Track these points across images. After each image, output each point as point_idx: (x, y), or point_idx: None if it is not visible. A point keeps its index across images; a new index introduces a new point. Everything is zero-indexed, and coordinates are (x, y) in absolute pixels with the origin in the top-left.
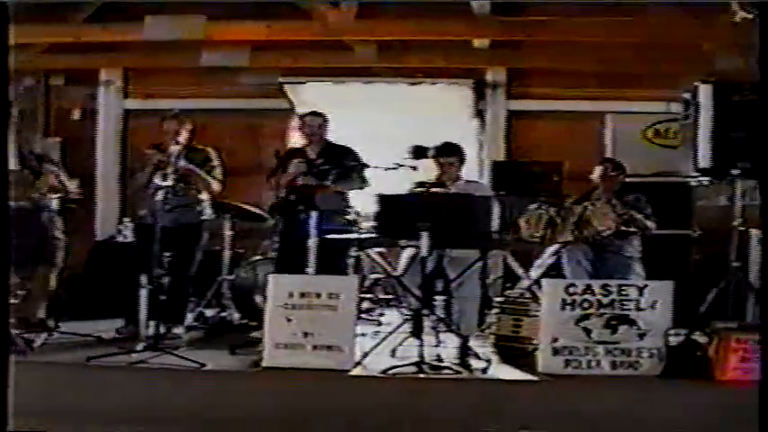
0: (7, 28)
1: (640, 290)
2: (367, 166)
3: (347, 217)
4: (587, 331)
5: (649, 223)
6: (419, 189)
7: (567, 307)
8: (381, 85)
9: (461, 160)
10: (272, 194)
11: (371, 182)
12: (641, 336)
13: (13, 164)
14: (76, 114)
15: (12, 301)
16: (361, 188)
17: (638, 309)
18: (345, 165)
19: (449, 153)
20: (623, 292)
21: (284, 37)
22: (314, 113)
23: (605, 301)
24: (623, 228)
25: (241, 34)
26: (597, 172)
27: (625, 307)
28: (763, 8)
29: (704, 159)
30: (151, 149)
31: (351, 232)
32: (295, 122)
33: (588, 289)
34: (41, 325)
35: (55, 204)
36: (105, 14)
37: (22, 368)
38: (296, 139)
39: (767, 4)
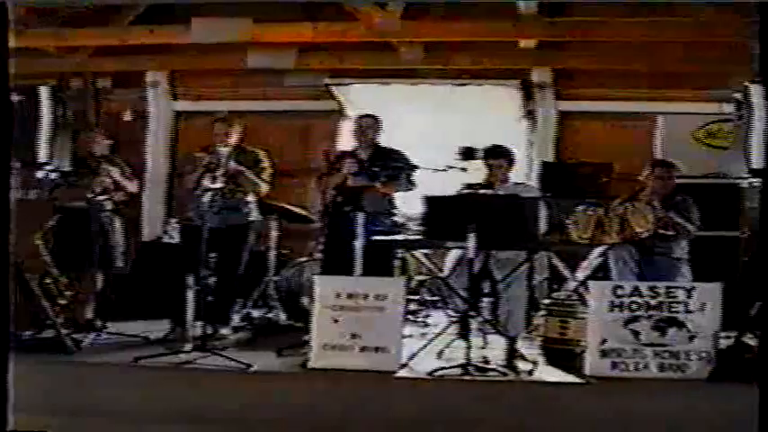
0: (7, 28)
1: (689, 292)
2: (416, 168)
3: (394, 218)
4: (635, 333)
5: (690, 226)
6: (467, 191)
7: (615, 309)
8: (427, 86)
9: (510, 162)
10: (321, 195)
11: (420, 183)
12: (690, 338)
13: (66, 165)
14: (127, 116)
15: (61, 301)
16: (408, 190)
17: (687, 311)
18: (395, 167)
19: (497, 155)
20: (672, 294)
21: (330, 38)
22: (368, 116)
23: (653, 303)
24: (661, 231)
25: (287, 36)
26: (647, 173)
27: (674, 309)
28: (763, 8)
29: (757, 160)
30: (201, 152)
31: (397, 234)
32: (348, 124)
33: (636, 291)
34: (89, 325)
35: (110, 205)
36: (151, 17)
37: (69, 368)
38: (348, 141)
39: (767, 4)
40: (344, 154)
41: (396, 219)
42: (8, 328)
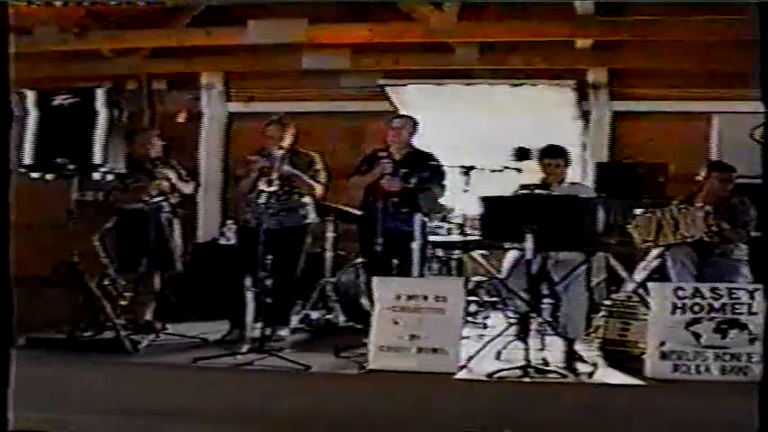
0: (7, 28)
1: (751, 293)
2: (472, 168)
3: (446, 219)
4: (696, 335)
5: (741, 233)
6: (523, 191)
7: (676, 310)
8: (482, 86)
9: (567, 162)
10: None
11: (475, 184)
12: (752, 340)
13: (121, 167)
14: (181, 118)
15: (120, 302)
16: (440, 196)
17: (750, 313)
18: (429, 170)
19: (554, 155)
20: (734, 296)
21: (385, 39)
22: (403, 116)
23: (716, 304)
24: (707, 239)
25: (342, 37)
26: (704, 175)
27: (736, 311)
28: (763, 8)
29: None
30: (255, 155)
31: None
32: (387, 124)
33: (698, 292)
34: (148, 326)
35: (167, 207)
36: (208, 19)
37: (128, 369)
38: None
39: (767, 4)
40: (377, 153)
41: (450, 220)
42: (10, 329)
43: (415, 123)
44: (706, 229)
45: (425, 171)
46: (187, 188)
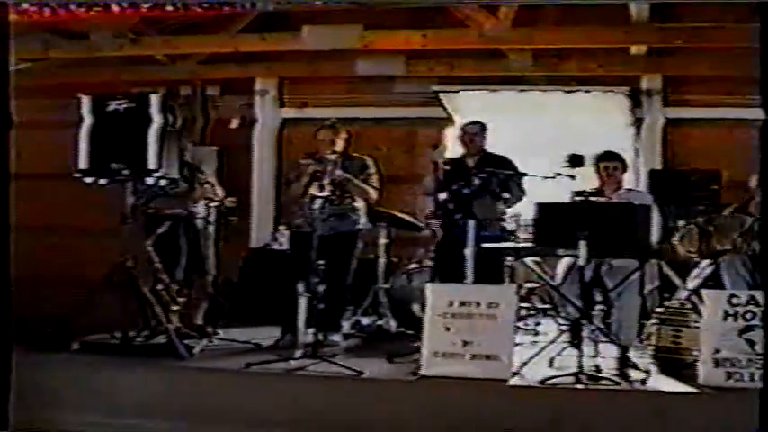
0: (8, 28)
1: None
2: (525, 175)
3: (504, 225)
4: (751, 343)
5: None
6: (579, 198)
7: (730, 318)
8: (536, 93)
9: (624, 167)
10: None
11: (529, 191)
12: None
13: (174, 173)
14: (234, 123)
15: (173, 307)
16: (519, 199)
17: None
18: (504, 174)
19: (611, 159)
20: None
21: (439, 45)
22: (474, 122)
23: None
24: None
25: (396, 43)
26: (754, 182)
27: None
28: (763, 8)
29: None
30: (306, 159)
31: (506, 240)
32: (454, 131)
33: (752, 300)
34: (200, 330)
35: (208, 213)
36: (263, 25)
37: (182, 373)
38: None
39: (767, 4)
40: (454, 161)
41: (506, 226)
42: (10, 330)
43: (484, 128)
44: (740, 239)
45: (500, 176)
46: (222, 194)
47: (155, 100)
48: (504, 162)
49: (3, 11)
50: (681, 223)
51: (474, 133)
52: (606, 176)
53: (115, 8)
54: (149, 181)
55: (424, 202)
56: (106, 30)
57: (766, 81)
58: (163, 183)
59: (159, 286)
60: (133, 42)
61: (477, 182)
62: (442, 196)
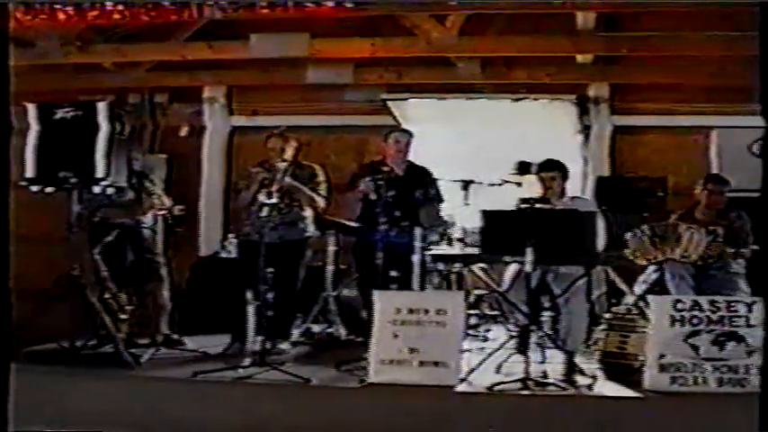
0: (8, 28)
1: (749, 306)
2: (471, 182)
3: (445, 233)
4: (695, 348)
5: (743, 251)
6: (524, 205)
7: (676, 323)
8: (484, 101)
9: (563, 176)
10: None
11: (476, 198)
12: (750, 353)
13: (122, 181)
14: (184, 131)
15: (121, 316)
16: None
17: (748, 325)
18: (426, 185)
19: (549, 168)
20: (732, 309)
21: (388, 54)
22: (403, 130)
23: (714, 317)
24: (700, 263)
25: (345, 51)
26: (700, 188)
27: (734, 323)
28: (763, 8)
29: None
30: (256, 167)
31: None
32: (388, 139)
33: (696, 305)
34: (167, 340)
35: (155, 221)
36: (211, 33)
37: (129, 382)
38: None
39: (767, 4)
40: (374, 166)
41: (449, 233)
42: (10, 332)
43: (411, 136)
44: (708, 252)
45: (427, 185)
46: (170, 203)
47: (102, 108)
48: (426, 172)
49: (3, 12)
50: (628, 235)
51: (403, 142)
52: (546, 185)
53: (61, 16)
54: (97, 189)
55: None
56: (53, 37)
57: (766, 87)
58: (110, 191)
59: (107, 295)
60: (80, 50)
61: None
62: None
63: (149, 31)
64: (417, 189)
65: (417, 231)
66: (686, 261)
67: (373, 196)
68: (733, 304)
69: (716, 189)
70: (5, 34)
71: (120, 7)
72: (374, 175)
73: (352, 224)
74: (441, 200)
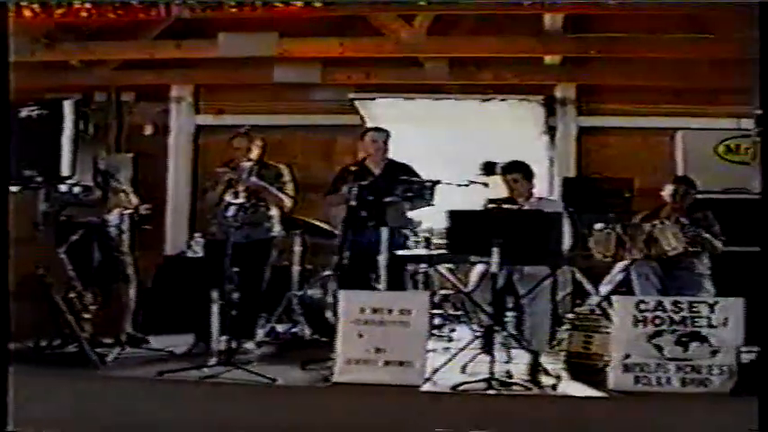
0: (7, 28)
1: (712, 306)
2: (438, 183)
3: (412, 233)
4: (659, 348)
5: (717, 243)
6: (491, 206)
7: (639, 324)
8: (452, 101)
9: (527, 177)
10: (330, 210)
11: (443, 198)
12: (713, 353)
13: (88, 179)
14: (148, 130)
15: (85, 315)
16: (428, 205)
17: (710, 326)
18: (408, 182)
19: (512, 170)
20: (695, 309)
21: (356, 53)
22: (378, 129)
23: (677, 317)
24: (690, 249)
25: (313, 51)
26: (667, 190)
27: (697, 324)
28: (763, 8)
29: None
30: (222, 167)
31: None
32: (362, 138)
33: (660, 306)
34: (132, 339)
35: (122, 220)
36: (178, 31)
37: (95, 382)
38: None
39: (767, 4)
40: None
41: (417, 233)
42: (9, 331)
43: (389, 135)
44: (688, 240)
45: (404, 183)
46: (137, 202)
47: (68, 106)
48: (407, 169)
49: (3, 11)
50: (597, 227)
51: (379, 141)
52: (512, 186)
53: (28, 13)
54: (62, 188)
55: (329, 208)
56: (20, 35)
57: (765, 86)
58: (76, 190)
59: (72, 294)
60: (47, 48)
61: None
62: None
63: (117, 29)
64: (396, 187)
65: (384, 231)
66: (671, 255)
67: (353, 202)
68: (695, 305)
69: (682, 191)
70: (5, 34)
71: (88, 5)
72: (355, 179)
73: (320, 224)
74: (423, 196)
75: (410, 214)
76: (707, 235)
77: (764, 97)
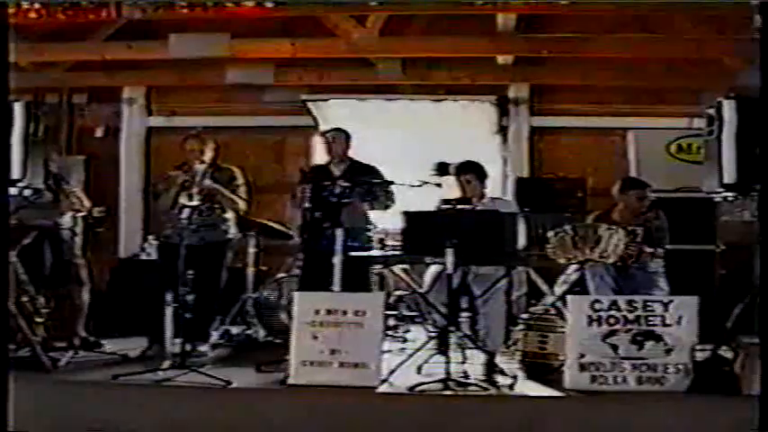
0: (7, 28)
1: (666, 305)
2: (392, 183)
3: (369, 234)
4: (614, 347)
5: (659, 251)
6: (445, 206)
7: (594, 323)
8: (405, 102)
9: (479, 177)
10: (300, 212)
11: (397, 199)
12: (668, 351)
13: (39, 182)
14: (99, 132)
15: (37, 319)
16: (387, 207)
17: (664, 324)
18: (370, 183)
19: (465, 170)
20: (649, 308)
21: (308, 54)
22: (337, 130)
23: (631, 316)
24: (629, 261)
25: (265, 52)
26: (617, 189)
27: (651, 322)
28: (763, 8)
29: (729, 175)
30: (175, 170)
31: (371, 249)
32: (319, 139)
33: (614, 305)
34: (85, 343)
35: (74, 223)
36: (129, 33)
37: (47, 386)
38: (320, 156)
39: (767, 4)
40: (317, 170)
41: (371, 234)
42: (8, 331)
43: (349, 136)
44: (626, 252)
45: (366, 184)
46: (89, 205)
47: (18, 108)
48: (370, 170)
49: (2, 11)
50: (550, 233)
51: (339, 142)
52: (464, 186)
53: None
54: (13, 191)
55: (293, 211)
56: None
57: (766, 80)
58: (27, 193)
59: (24, 298)
60: None
61: (341, 190)
62: (307, 205)
63: (68, 30)
64: (354, 189)
65: (339, 232)
66: (605, 261)
67: (307, 204)
68: (649, 303)
69: (634, 193)
70: (5, 34)
71: (37, 6)
72: (314, 181)
73: (274, 225)
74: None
75: (371, 215)
76: (649, 249)
77: (765, 97)
